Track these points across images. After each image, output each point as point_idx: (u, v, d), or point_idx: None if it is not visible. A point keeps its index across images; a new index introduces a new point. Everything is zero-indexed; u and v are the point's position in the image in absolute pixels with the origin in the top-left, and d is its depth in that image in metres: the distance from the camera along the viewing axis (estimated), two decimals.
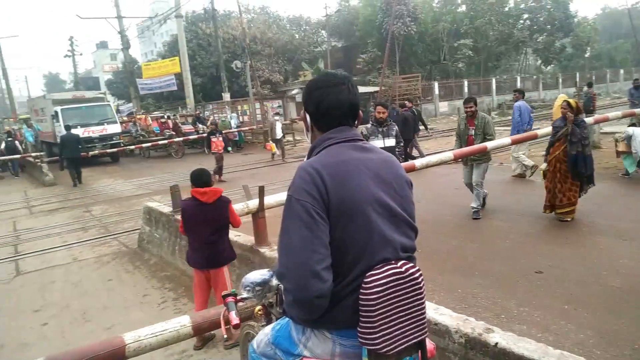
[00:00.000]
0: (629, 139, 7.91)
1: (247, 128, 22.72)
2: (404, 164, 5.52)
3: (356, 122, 1.69)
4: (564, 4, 35.75)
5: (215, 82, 28.30)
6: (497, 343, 2.40)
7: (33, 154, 16.61)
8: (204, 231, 3.80)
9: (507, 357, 2.33)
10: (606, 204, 6.64)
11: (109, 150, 18.34)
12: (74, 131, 15.56)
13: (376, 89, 26.95)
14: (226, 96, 24.44)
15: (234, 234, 5.18)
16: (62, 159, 14.50)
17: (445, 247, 5.52)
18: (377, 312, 1.44)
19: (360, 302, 1.45)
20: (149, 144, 19.81)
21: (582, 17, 41.52)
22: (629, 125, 8.69)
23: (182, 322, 2.43)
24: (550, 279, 4.35)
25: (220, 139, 12.82)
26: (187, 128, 21.14)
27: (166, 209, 6.33)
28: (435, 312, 2.76)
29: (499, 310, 3.88)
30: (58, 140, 16.41)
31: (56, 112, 18.83)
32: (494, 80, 33.43)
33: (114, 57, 59.57)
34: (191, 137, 19.91)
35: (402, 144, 6.86)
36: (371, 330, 1.44)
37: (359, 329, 1.47)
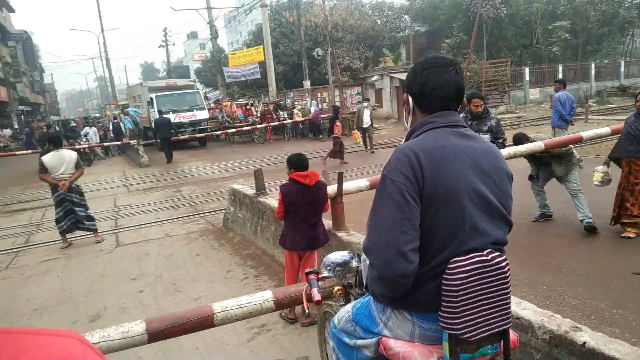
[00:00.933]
0: None
1: (325, 115, 22.95)
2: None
3: (459, 108, 1.66)
4: None
5: (297, 70, 28.78)
6: (585, 342, 2.27)
7: (132, 141, 18.25)
8: (306, 214, 3.89)
9: (596, 358, 2.20)
10: None
11: (197, 135, 19.50)
12: (165, 116, 16.94)
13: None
14: (307, 84, 24.79)
15: None
16: (157, 139, 15.89)
17: (527, 241, 5.25)
18: (460, 298, 1.44)
19: (443, 287, 1.46)
20: (234, 130, 20.73)
21: None
22: None
23: (265, 297, 2.57)
24: None
25: (339, 124, 13.03)
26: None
27: (250, 191, 6.62)
28: (517, 306, 2.66)
29: (588, 310, 3.65)
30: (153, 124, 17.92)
31: (151, 99, 20.26)
32: (592, 65, 30.61)
33: (203, 47, 62.54)
34: (273, 124, 20.51)
35: (501, 141, 5.62)
36: (453, 315, 1.45)
37: (440, 313, 1.48)
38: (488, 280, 1.48)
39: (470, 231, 1.49)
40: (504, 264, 1.50)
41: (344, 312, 1.89)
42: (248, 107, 23.47)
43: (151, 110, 20.08)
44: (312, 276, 2.03)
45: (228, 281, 5.17)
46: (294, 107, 22.92)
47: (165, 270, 5.66)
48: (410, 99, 1.66)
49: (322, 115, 20.52)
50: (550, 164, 5.72)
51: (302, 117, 20.86)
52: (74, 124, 23.48)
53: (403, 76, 23.21)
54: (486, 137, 5.36)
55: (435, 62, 1.62)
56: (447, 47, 30.20)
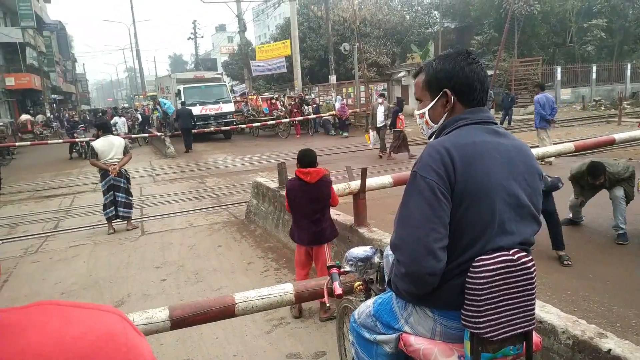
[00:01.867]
0: None
1: (350, 111, 22.85)
2: None
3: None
4: None
5: (323, 64, 28.76)
6: (610, 350, 2.21)
7: (158, 133, 18.67)
8: (307, 210, 3.93)
9: None
10: None
11: (222, 128, 19.70)
12: (193, 109, 17.31)
13: (490, 72, 25.39)
14: (332, 79, 24.74)
15: (334, 213, 5.32)
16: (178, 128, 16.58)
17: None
18: (483, 297, 1.42)
19: (467, 285, 1.44)
20: (259, 124, 20.86)
21: None
22: None
23: (286, 289, 2.59)
24: None
25: (403, 117, 12.69)
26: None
27: (273, 184, 6.66)
28: (541, 309, 2.61)
29: (614, 318, 3.55)
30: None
31: (179, 90, 20.56)
32: (629, 66, 29.55)
33: (231, 40, 63.07)
34: (297, 118, 20.56)
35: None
36: (476, 314, 1.43)
37: (463, 311, 1.46)
38: (513, 280, 1.46)
39: (499, 230, 1.47)
40: (530, 264, 1.48)
41: (365, 307, 1.89)
42: (273, 101, 23.55)
43: (179, 101, 20.41)
44: (334, 270, 2.03)
45: (249, 273, 5.22)
46: (317, 102, 22.86)
47: (188, 259, 5.75)
48: (451, 94, 1.60)
49: (349, 111, 20.23)
50: (600, 188, 5.37)
51: (328, 112, 20.78)
52: (101, 114, 24.12)
53: None
54: None
55: (473, 56, 1.61)
56: (476, 44, 29.67)
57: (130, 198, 7.28)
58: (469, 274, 1.44)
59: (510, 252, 1.47)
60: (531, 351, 1.53)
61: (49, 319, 0.53)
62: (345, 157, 12.27)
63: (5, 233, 7.56)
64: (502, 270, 1.44)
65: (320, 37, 29.64)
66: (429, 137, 1.71)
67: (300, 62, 26.22)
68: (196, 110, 19.38)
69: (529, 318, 1.50)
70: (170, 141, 17.04)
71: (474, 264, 1.44)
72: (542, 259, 4.61)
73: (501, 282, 1.44)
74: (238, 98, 26.83)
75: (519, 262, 1.46)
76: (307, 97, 25.11)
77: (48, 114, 31.73)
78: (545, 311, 2.61)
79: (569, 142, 5.74)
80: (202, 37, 47.14)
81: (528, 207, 1.53)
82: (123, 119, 20.79)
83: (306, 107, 21.59)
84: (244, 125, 21.20)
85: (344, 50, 25.22)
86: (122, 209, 7.12)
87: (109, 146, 6.92)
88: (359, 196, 4.83)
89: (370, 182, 4.89)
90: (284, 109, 22.18)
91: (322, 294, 2.17)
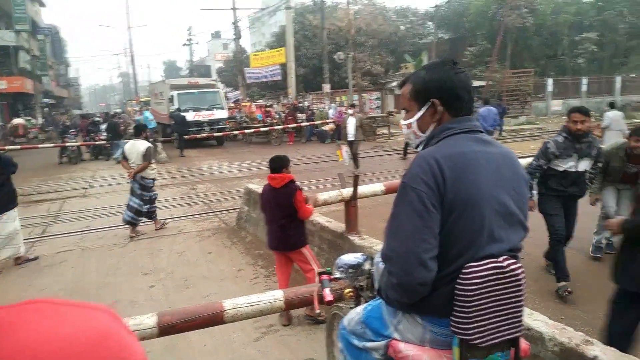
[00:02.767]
0: None
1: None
2: None
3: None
4: None
5: (317, 73, 28.85)
6: (596, 357, 2.22)
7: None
8: (273, 214, 4.05)
9: None
10: None
11: (215, 134, 19.66)
12: (186, 115, 17.60)
13: (482, 83, 25.66)
14: (326, 87, 24.83)
15: (325, 220, 5.32)
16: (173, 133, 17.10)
17: (541, 253, 5.16)
18: (472, 304, 1.42)
19: (456, 292, 1.45)
20: (252, 130, 20.86)
21: None
22: None
23: (276, 296, 2.57)
24: None
25: None
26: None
27: None
28: (529, 317, 2.62)
29: (600, 325, 3.56)
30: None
31: (172, 96, 20.50)
32: (619, 79, 30.02)
33: (226, 47, 63.22)
34: (290, 125, 20.57)
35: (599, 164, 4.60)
36: (465, 321, 1.43)
37: (452, 318, 1.46)
38: (502, 286, 1.46)
39: (488, 238, 1.48)
40: (519, 271, 1.49)
41: (354, 314, 1.88)
42: (267, 108, 23.56)
43: (172, 107, 20.33)
44: (325, 276, 2.02)
45: (238, 280, 5.19)
46: (312, 110, 22.88)
47: (177, 266, 5.70)
48: (438, 104, 1.61)
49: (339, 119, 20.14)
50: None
51: (321, 120, 20.79)
52: (98, 118, 23.77)
53: None
54: (588, 164, 4.39)
55: (458, 66, 1.63)
56: (469, 55, 30.01)
57: (144, 205, 7.23)
58: (458, 281, 1.44)
59: (500, 260, 1.47)
60: (519, 357, 1.53)
61: (42, 317, 0.52)
62: (338, 165, 12.28)
63: None
64: (492, 278, 1.44)
65: (315, 45, 29.77)
66: (417, 147, 1.72)
67: (294, 70, 26.31)
68: (190, 116, 19.33)
69: (516, 324, 1.51)
70: (162, 147, 16.96)
71: (463, 271, 1.44)
72: (530, 267, 4.63)
73: (490, 289, 1.44)
74: (232, 105, 26.83)
75: (508, 269, 1.46)
76: (301, 104, 25.18)
77: (40, 119, 31.51)
78: (533, 318, 2.62)
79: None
80: (197, 43, 47.37)
81: (516, 214, 1.54)
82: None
83: (299, 115, 21.63)
84: (236, 132, 21.17)
85: (339, 59, 25.36)
86: (127, 212, 7.15)
87: (132, 150, 7.08)
88: (350, 203, 4.83)
89: (362, 189, 4.89)
90: (277, 117, 22.21)
91: (313, 300, 2.15)
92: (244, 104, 26.07)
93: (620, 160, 4.61)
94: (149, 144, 7.27)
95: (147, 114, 22.49)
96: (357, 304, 2.13)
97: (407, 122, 1.70)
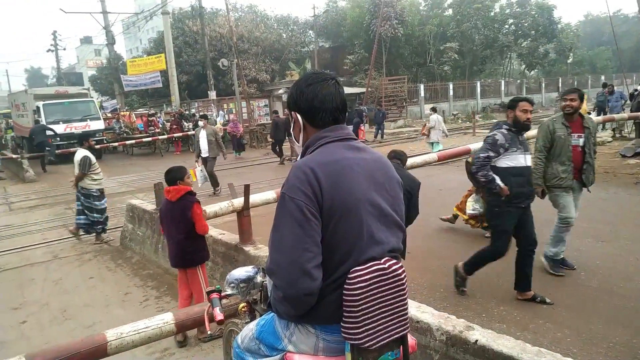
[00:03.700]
0: None
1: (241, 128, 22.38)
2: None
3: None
4: (548, 10, 36.25)
5: (202, 80, 28.08)
6: (477, 340, 2.44)
7: (14, 155, 16.48)
8: (171, 229, 3.87)
9: (487, 353, 2.38)
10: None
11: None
12: (56, 127, 16.04)
13: (363, 90, 27.06)
14: (212, 94, 24.27)
15: (218, 232, 5.18)
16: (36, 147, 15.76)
17: (427, 248, 5.57)
18: (360, 308, 1.46)
19: (344, 297, 1.47)
20: (133, 141, 19.61)
21: (565, 23, 42.02)
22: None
23: (165, 319, 2.43)
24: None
25: (364, 128, 11.98)
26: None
27: (149, 206, 6.27)
28: (417, 310, 2.79)
29: (480, 309, 3.94)
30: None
31: (38, 108, 18.49)
32: (478, 84, 33.83)
33: (99, 53, 58.70)
34: (176, 134, 19.74)
35: None
36: (354, 325, 1.47)
37: (342, 324, 1.49)
38: (386, 287, 1.52)
39: (369, 241, 1.53)
40: (400, 270, 1.56)
41: (248, 331, 1.84)
42: (150, 117, 22.30)
43: (38, 120, 18.31)
44: (214, 295, 1.95)
45: (126, 304, 4.82)
46: (198, 118, 22.14)
47: (53, 296, 5.13)
48: (299, 116, 1.67)
49: (240, 128, 18.31)
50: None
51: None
52: None
53: None
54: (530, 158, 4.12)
55: (317, 77, 1.66)
56: (349, 63, 31.46)
57: (92, 214, 7.14)
58: (345, 287, 1.48)
59: (382, 261, 1.53)
60: (407, 354, 1.61)
61: None
62: (230, 174, 12.03)
63: None
64: (376, 279, 1.49)
65: (197, 52, 28.93)
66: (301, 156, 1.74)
67: (177, 77, 25.31)
68: (59, 128, 17.58)
69: (403, 322, 1.58)
70: (29, 164, 15.18)
71: (349, 276, 1.48)
72: (416, 263, 4.96)
73: (375, 291, 1.49)
74: (109, 115, 24.98)
75: (390, 269, 1.53)
76: (187, 112, 24.26)
77: None
78: (421, 311, 2.80)
79: (433, 152, 6.29)
80: (65, 49, 43.17)
81: (392, 216, 1.62)
82: None
83: (185, 124, 20.84)
84: (116, 144, 19.76)
85: (222, 66, 24.95)
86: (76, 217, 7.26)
87: (75, 160, 7.10)
88: (242, 213, 4.76)
89: (254, 198, 4.84)
90: (161, 126, 21.15)
91: (205, 320, 2.06)
92: (122, 113, 24.43)
93: (565, 128, 4.40)
94: (85, 154, 7.10)
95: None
96: (253, 318, 2.09)
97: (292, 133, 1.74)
